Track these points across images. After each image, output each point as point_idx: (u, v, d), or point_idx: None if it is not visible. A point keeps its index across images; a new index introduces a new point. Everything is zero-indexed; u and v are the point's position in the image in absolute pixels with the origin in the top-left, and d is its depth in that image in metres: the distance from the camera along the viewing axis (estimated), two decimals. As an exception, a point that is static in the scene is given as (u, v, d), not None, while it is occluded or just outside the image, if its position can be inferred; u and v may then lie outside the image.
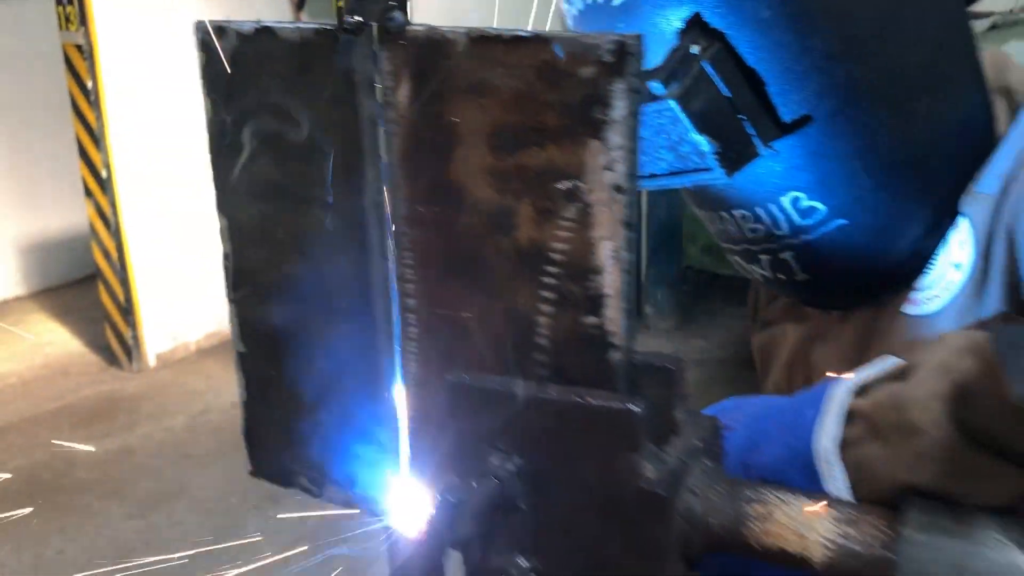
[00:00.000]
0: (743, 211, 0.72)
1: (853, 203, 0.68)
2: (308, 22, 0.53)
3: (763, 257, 0.74)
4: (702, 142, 0.64)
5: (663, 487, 0.45)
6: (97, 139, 3.97)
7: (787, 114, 0.65)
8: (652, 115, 0.65)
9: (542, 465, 0.49)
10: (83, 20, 3.79)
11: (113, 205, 4.05)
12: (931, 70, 0.66)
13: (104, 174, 4.02)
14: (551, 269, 0.49)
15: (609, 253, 0.47)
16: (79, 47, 3.85)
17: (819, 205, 0.68)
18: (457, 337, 0.53)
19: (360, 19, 0.50)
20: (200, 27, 0.57)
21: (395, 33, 0.49)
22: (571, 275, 0.48)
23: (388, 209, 0.53)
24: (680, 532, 0.46)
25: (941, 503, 0.43)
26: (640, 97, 0.44)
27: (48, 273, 5.54)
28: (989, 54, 0.72)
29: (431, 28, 0.48)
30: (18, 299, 5.48)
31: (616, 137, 0.45)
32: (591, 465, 0.47)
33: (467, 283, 0.52)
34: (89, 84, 3.88)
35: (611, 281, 0.47)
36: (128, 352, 4.23)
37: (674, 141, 0.65)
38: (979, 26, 2.51)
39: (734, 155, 0.64)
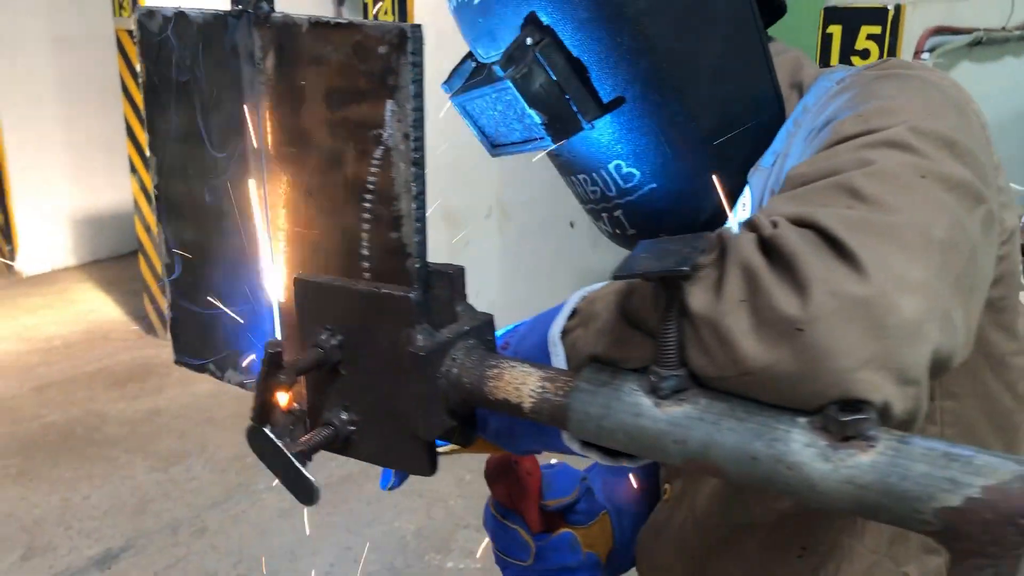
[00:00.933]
0: (584, 175, 0.88)
1: (660, 171, 0.83)
2: (216, 9, 0.71)
3: (604, 215, 0.90)
4: (535, 116, 0.80)
5: (428, 352, 0.62)
6: (143, 120, 4.22)
7: (605, 96, 0.81)
8: (502, 93, 0.81)
9: (355, 339, 0.66)
10: (134, 6, 4.05)
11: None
12: (721, 66, 0.81)
13: (148, 153, 4.28)
14: (368, 196, 0.66)
15: (403, 184, 0.64)
16: (130, 32, 4.11)
17: (635, 171, 0.84)
18: (310, 249, 0.71)
19: (240, 7, 0.68)
20: (138, 9, 0.75)
21: (263, 18, 0.67)
22: (380, 201, 0.65)
23: (262, 150, 0.70)
24: (442, 388, 0.63)
25: (608, 366, 0.59)
26: (419, 70, 0.61)
27: (97, 246, 5.86)
28: (790, 56, 0.88)
29: (286, 15, 0.66)
30: (67, 269, 5.80)
31: (403, 98, 0.62)
32: (385, 338, 0.64)
33: (315, 208, 0.69)
34: (138, 67, 4.14)
35: (405, 206, 0.64)
36: (164, 322, 4.50)
37: (520, 115, 0.82)
38: (958, 42, 2.61)
39: (561, 128, 0.81)
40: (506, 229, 3.87)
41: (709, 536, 0.90)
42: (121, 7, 4.14)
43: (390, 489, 0.87)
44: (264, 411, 0.66)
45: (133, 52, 4.14)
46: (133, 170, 4.43)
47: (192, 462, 3.49)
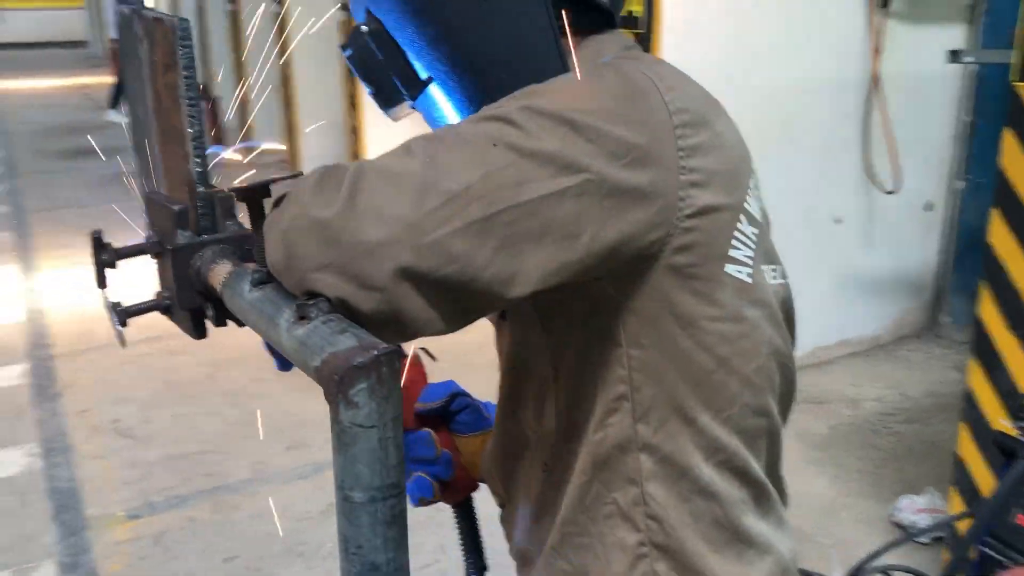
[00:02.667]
0: None
1: None
2: (129, 6, 1.03)
3: None
4: (366, 87, 1.02)
5: (176, 247, 0.90)
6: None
7: (422, 75, 1.00)
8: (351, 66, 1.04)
9: (161, 237, 0.95)
10: None
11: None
12: (511, 53, 0.95)
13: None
14: (180, 139, 0.95)
15: (184, 130, 0.92)
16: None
17: None
18: (166, 173, 1.01)
19: (131, 7, 0.99)
20: (117, 11, 1.10)
21: (139, 14, 0.98)
22: (181, 142, 0.94)
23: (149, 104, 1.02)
24: (192, 272, 0.90)
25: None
26: (188, 51, 0.88)
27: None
28: (597, 49, 0.99)
29: (151, 12, 0.96)
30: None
31: (179, 69, 0.90)
32: (168, 238, 0.93)
33: (170, 148, 0.99)
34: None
35: (188, 146, 0.92)
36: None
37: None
38: None
39: (386, 99, 1.01)
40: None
41: (503, 447, 1.07)
42: None
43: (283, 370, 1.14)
44: (101, 278, 0.97)
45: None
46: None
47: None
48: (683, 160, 0.84)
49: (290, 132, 7.80)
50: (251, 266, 0.85)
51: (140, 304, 0.97)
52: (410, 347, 1.27)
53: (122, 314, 0.95)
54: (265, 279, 0.78)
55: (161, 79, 0.96)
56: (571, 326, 0.92)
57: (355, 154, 6.42)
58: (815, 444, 3.59)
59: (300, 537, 3.01)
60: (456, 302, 0.76)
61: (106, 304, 0.96)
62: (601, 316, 0.89)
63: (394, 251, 0.71)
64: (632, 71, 0.86)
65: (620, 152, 0.80)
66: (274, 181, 0.78)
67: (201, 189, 0.93)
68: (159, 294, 0.98)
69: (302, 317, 0.70)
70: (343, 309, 0.72)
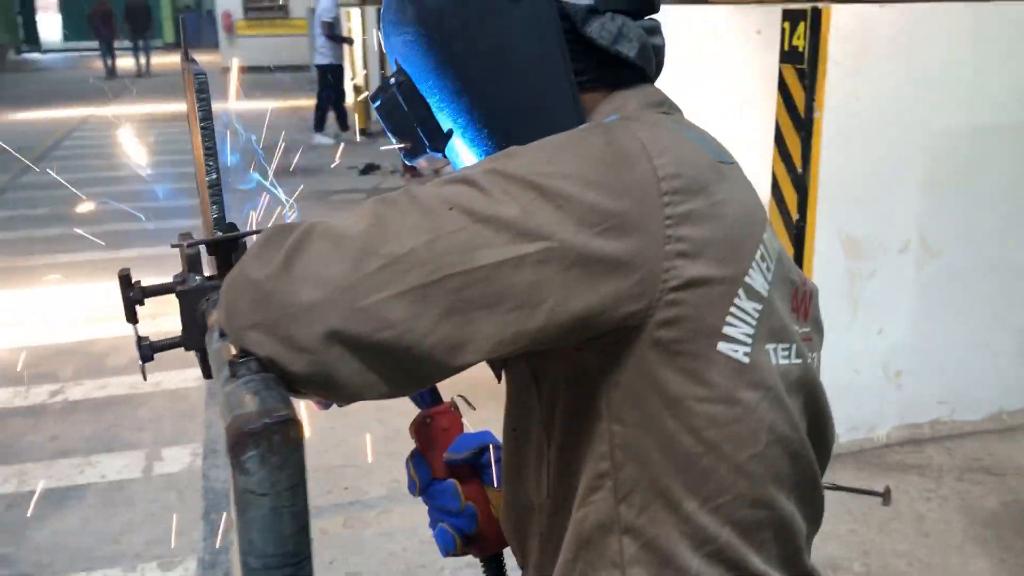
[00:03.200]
0: None
1: None
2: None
3: None
4: (391, 138, 1.03)
5: (184, 290, 0.93)
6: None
7: (445, 127, 1.00)
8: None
9: (181, 278, 0.99)
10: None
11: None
12: (528, 110, 0.92)
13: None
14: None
15: (201, 177, 0.95)
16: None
17: None
18: (204, 214, 1.05)
19: (187, 58, 1.04)
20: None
21: (191, 59, 1.03)
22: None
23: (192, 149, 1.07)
24: (198, 315, 0.94)
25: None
26: (204, 98, 0.92)
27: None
28: (613, 106, 0.95)
29: (189, 60, 1.01)
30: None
31: (199, 119, 0.93)
32: (181, 279, 0.97)
33: (201, 184, 1.03)
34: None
35: (205, 191, 0.96)
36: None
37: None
38: None
39: (411, 149, 1.02)
40: (927, 266, 3.59)
41: (512, 511, 1.04)
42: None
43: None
44: (130, 314, 1.02)
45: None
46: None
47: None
48: (670, 229, 0.78)
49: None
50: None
51: (164, 340, 1.01)
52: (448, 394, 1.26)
53: (147, 348, 1.00)
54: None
55: (196, 128, 1.01)
56: (558, 393, 0.88)
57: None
58: (982, 520, 3.27)
59: (422, 559, 3.06)
60: (398, 367, 0.74)
61: (135, 339, 1.01)
62: (584, 386, 0.85)
63: (324, 314, 0.71)
64: (621, 134, 0.82)
65: (592, 220, 0.76)
66: (242, 236, 0.79)
67: (218, 234, 0.96)
68: (183, 332, 1.02)
69: (232, 374, 0.71)
70: (274, 369, 0.72)
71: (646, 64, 0.97)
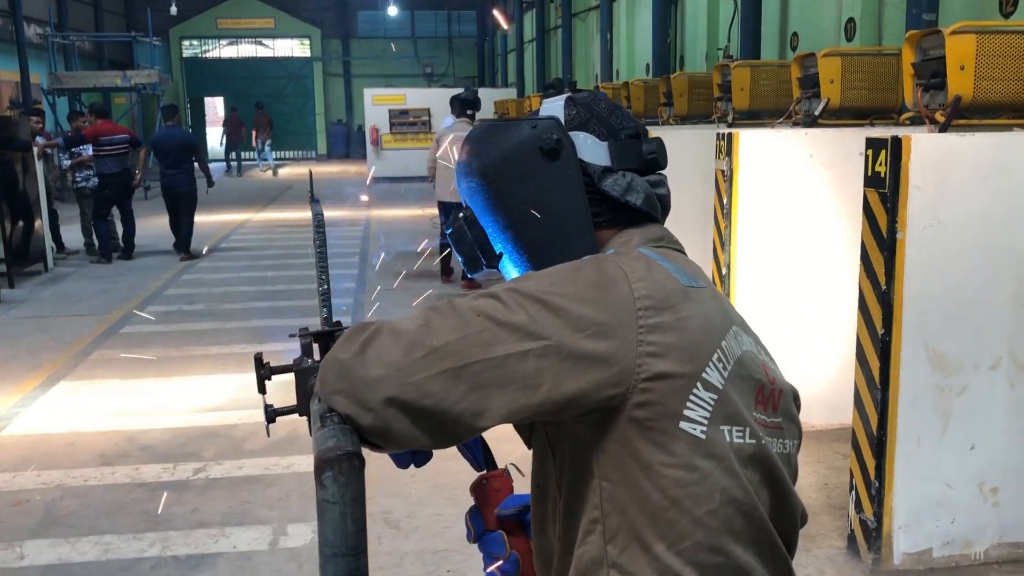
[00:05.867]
0: None
1: None
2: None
3: None
4: (458, 256, 1.36)
5: (298, 370, 1.27)
6: (724, 243, 5.03)
7: (496, 250, 1.32)
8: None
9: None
10: (728, 152, 4.90)
11: (727, 295, 5.05)
12: (557, 246, 1.23)
13: (724, 272, 5.07)
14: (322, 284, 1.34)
15: (319, 286, 1.31)
16: (723, 172, 4.97)
17: None
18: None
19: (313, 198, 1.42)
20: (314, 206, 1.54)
21: (312, 201, 1.40)
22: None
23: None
24: (309, 389, 1.27)
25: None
26: (322, 233, 1.28)
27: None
28: (621, 241, 1.25)
29: (314, 202, 1.37)
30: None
31: (316, 246, 1.29)
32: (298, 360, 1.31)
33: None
34: (725, 200, 4.97)
35: (320, 299, 1.31)
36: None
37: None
38: None
39: (472, 264, 1.34)
40: (1020, 384, 3.64)
41: (540, 558, 1.31)
42: (720, 152, 5.01)
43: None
44: (261, 387, 1.36)
45: (723, 188, 5.00)
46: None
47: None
48: (642, 335, 1.07)
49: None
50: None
51: (285, 408, 1.35)
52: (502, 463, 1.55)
53: (272, 412, 1.34)
54: (323, 397, 1.12)
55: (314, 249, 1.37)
56: (565, 457, 1.17)
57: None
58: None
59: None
60: (436, 426, 1.05)
61: (263, 405, 1.36)
62: (582, 452, 1.13)
63: (385, 385, 1.03)
64: (610, 264, 1.12)
65: (582, 326, 1.06)
66: (338, 331, 1.13)
67: (326, 328, 1.30)
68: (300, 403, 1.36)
69: (322, 424, 1.03)
70: (350, 423, 1.04)
71: (651, 209, 1.27)
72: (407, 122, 23.56)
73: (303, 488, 4.66)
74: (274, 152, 28.50)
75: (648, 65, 13.07)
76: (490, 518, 1.48)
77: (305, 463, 4.98)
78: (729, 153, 4.99)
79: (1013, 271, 3.57)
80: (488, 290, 1.12)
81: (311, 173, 1.36)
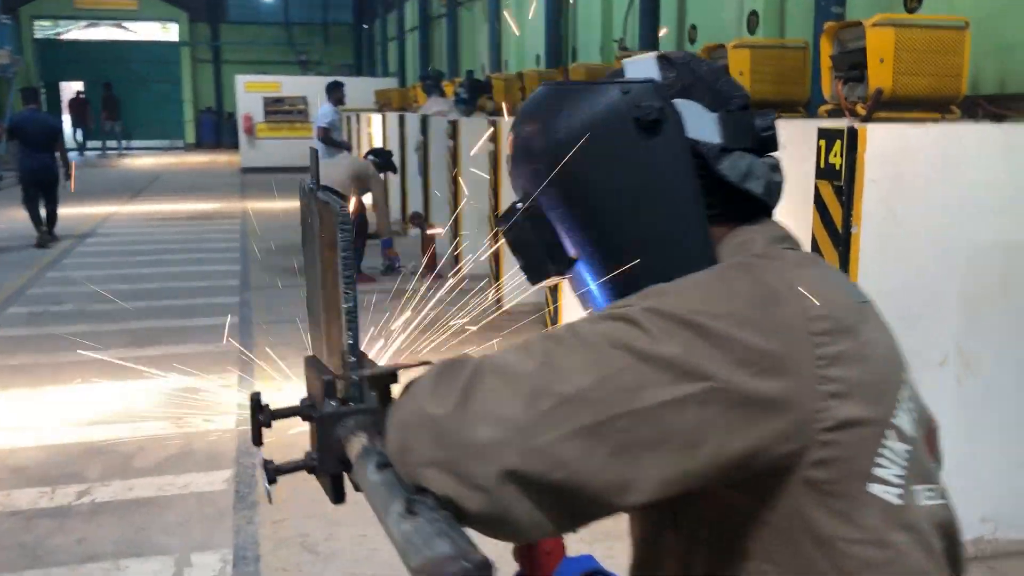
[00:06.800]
0: (584, 309, 1.09)
1: None
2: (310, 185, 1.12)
3: None
4: (517, 260, 1.06)
5: (320, 416, 0.94)
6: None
7: (570, 253, 1.02)
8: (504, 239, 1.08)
9: (314, 400, 1.01)
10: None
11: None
12: (658, 244, 0.95)
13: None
14: (334, 312, 1.01)
15: (342, 303, 0.98)
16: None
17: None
18: (327, 340, 1.07)
19: (309, 185, 1.08)
20: (301, 184, 1.20)
21: (311, 192, 1.06)
22: (337, 316, 1.00)
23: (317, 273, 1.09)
24: (335, 441, 0.95)
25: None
26: (346, 234, 0.95)
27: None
28: (740, 240, 0.98)
29: (321, 190, 1.04)
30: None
31: (339, 250, 0.96)
32: (319, 405, 0.98)
33: (328, 315, 1.06)
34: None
35: (343, 320, 0.98)
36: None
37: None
38: None
39: (536, 272, 1.04)
40: (966, 381, 3.59)
41: None
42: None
43: None
44: (257, 437, 1.03)
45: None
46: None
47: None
48: (821, 370, 0.80)
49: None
50: (375, 443, 0.88)
51: (289, 463, 1.02)
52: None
53: (272, 471, 1.01)
54: (386, 462, 0.80)
55: (326, 255, 1.04)
56: (700, 533, 0.88)
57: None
58: (1034, 643, 3.18)
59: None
60: (566, 507, 0.75)
61: (259, 462, 1.02)
62: (733, 526, 0.85)
63: (501, 453, 0.72)
64: (767, 274, 0.84)
65: (750, 359, 0.78)
66: (401, 367, 0.81)
67: (351, 360, 0.98)
68: (308, 454, 1.03)
69: (410, 511, 0.71)
70: (450, 506, 0.72)
71: (771, 200, 1.00)
72: (283, 110, 22.72)
73: (204, 510, 4.21)
74: (129, 139, 27.53)
75: (539, 56, 12.87)
76: None
77: (204, 481, 4.53)
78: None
79: (963, 266, 3.50)
80: (615, 311, 0.82)
81: (315, 153, 1.03)
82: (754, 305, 0.81)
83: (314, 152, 1.07)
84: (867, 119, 4.49)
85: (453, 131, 8.96)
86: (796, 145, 3.82)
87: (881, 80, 4.80)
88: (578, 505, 0.75)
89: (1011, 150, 3.50)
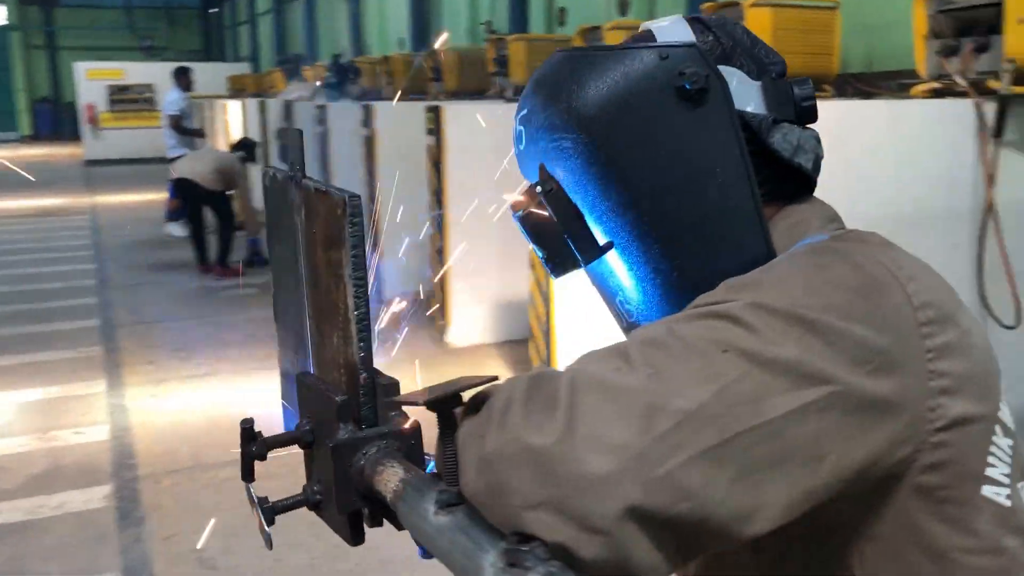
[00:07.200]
0: (608, 303, 0.98)
1: (648, 309, 0.90)
2: (286, 171, 0.96)
3: None
4: (537, 251, 0.93)
5: (336, 444, 0.80)
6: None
7: (601, 239, 0.90)
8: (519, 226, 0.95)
9: (319, 428, 0.86)
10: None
11: (547, 278, 4.80)
12: (706, 226, 0.85)
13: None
14: (339, 319, 0.86)
15: (350, 311, 0.83)
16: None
17: (631, 307, 0.92)
18: (321, 352, 0.92)
19: (289, 173, 0.92)
20: (264, 170, 1.03)
21: (297, 182, 0.91)
22: (343, 323, 0.85)
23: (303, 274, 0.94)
24: (354, 472, 0.80)
25: (432, 478, 0.71)
26: (357, 228, 0.80)
27: (512, 328, 6.58)
28: (794, 219, 0.89)
29: (309, 180, 0.89)
30: (485, 345, 6.60)
31: (349, 246, 0.81)
32: (326, 429, 0.83)
33: (323, 323, 0.91)
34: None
35: (352, 328, 0.83)
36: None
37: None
38: None
39: (560, 264, 0.92)
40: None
41: None
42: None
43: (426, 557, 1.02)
44: (248, 471, 0.87)
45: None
46: (531, 266, 5.00)
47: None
48: (931, 363, 0.72)
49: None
50: (420, 473, 0.74)
51: (288, 500, 0.87)
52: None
53: (269, 512, 0.85)
54: (454, 501, 0.67)
55: (320, 254, 0.88)
56: (790, 549, 0.78)
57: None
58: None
59: None
60: (683, 544, 0.64)
61: (252, 500, 0.86)
62: (832, 542, 0.76)
63: (622, 487, 0.60)
64: (864, 259, 0.75)
65: (864, 357, 0.68)
66: (465, 388, 0.68)
67: (364, 375, 0.83)
68: (309, 488, 0.88)
69: (513, 564, 0.58)
70: (561, 554, 0.60)
71: (816, 176, 0.91)
72: (128, 99, 21.53)
73: (85, 532, 3.88)
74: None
75: (402, 40, 12.61)
76: None
77: (80, 499, 4.18)
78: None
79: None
80: (710, 307, 0.71)
81: (299, 134, 0.88)
82: (859, 295, 0.72)
83: (298, 133, 0.91)
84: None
85: (322, 117, 8.65)
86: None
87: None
88: (697, 540, 0.64)
89: (895, 124, 3.61)
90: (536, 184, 0.92)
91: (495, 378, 0.70)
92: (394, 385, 0.84)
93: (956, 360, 0.73)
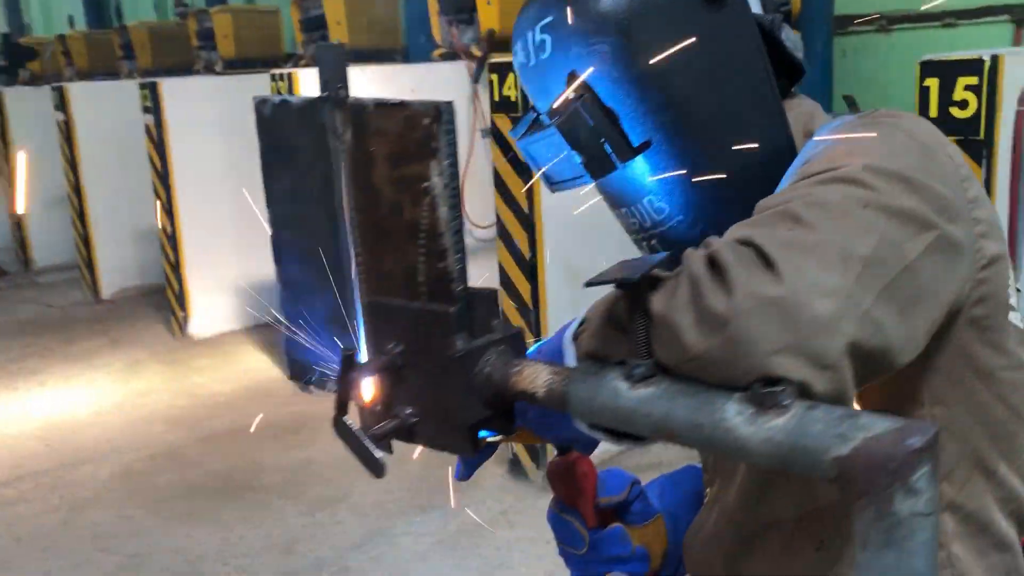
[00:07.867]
0: (625, 208, 1.02)
1: (684, 206, 0.97)
2: (309, 96, 0.91)
3: (644, 243, 1.03)
4: (576, 156, 0.96)
5: (463, 354, 0.79)
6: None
7: (635, 140, 0.95)
8: (552, 138, 0.97)
9: (413, 347, 0.83)
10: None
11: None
12: (736, 119, 0.93)
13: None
14: (421, 235, 0.84)
15: (445, 224, 0.81)
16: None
17: (664, 205, 0.98)
18: (381, 276, 0.89)
19: (327, 94, 0.87)
20: (256, 99, 0.96)
21: (341, 102, 0.86)
22: (429, 238, 0.83)
23: (345, 200, 0.90)
24: (478, 384, 0.79)
25: (599, 361, 0.73)
26: (452, 136, 0.79)
27: (259, 313, 6.34)
28: (805, 108, 0.99)
29: (357, 98, 0.85)
30: (232, 333, 6.31)
31: (442, 157, 0.80)
32: (435, 345, 0.81)
33: (384, 245, 0.87)
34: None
35: (447, 241, 0.81)
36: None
37: (567, 156, 0.97)
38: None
39: (598, 167, 0.95)
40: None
41: (739, 533, 1.01)
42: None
43: (461, 479, 1.02)
44: (343, 405, 0.83)
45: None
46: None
47: (338, 507, 3.74)
48: (972, 212, 0.85)
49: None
50: (556, 367, 0.76)
51: (385, 426, 0.84)
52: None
53: (379, 438, 0.82)
54: (650, 372, 0.70)
55: (385, 172, 0.85)
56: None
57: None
58: None
59: None
60: (866, 375, 0.71)
61: (348, 434, 0.83)
62: (900, 377, 0.87)
63: (843, 325, 0.66)
64: (908, 127, 0.86)
65: (942, 207, 0.80)
66: (652, 267, 0.70)
67: (462, 286, 0.82)
68: (398, 412, 0.85)
69: (763, 406, 0.63)
70: (797, 393, 0.65)
71: (803, 69, 1.03)
72: None
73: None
74: None
75: (72, 17, 11.48)
76: (588, 512, 1.11)
77: None
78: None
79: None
80: (827, 174, 0.78)
81: (342, 49, 0.80)
82: (924, 157, 0.83)
83: (337, 48, 0.87)
84: (482, 62, 4.74)
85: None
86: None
87: (491, 21, 5.10)
88: (874, 370, 0.71)
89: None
90: (569, 91, 0.95)
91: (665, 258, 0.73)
92: (493, 296, 0.84)
93: (984, 209, 0.87)
